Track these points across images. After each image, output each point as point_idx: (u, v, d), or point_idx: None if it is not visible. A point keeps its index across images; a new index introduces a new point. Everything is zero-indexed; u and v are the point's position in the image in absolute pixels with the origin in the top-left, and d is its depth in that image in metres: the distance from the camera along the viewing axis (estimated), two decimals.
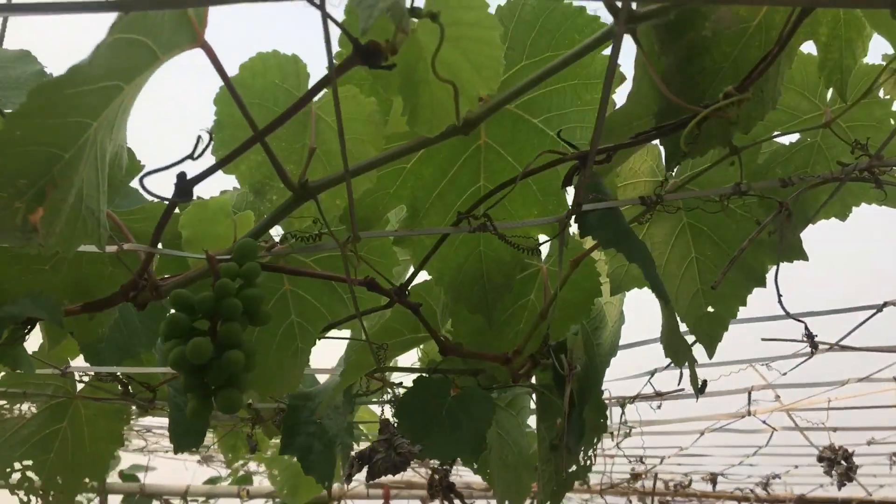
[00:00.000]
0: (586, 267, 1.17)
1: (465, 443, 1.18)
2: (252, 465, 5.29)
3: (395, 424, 1.18)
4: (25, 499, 1.62)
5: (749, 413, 2.14)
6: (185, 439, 1.53)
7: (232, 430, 1.94)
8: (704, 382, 0.87)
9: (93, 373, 1.54)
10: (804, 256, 1.04)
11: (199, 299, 0.82)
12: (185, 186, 0.81)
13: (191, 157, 0.75)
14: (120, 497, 4.76)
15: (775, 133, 1.01)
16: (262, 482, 5.51)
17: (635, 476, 3.81)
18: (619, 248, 0.82)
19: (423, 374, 1.30)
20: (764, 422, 2.26)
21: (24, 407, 1.66)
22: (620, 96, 1.04)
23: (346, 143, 0.96)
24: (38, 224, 0.65)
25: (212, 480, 5.56)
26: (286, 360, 1.12)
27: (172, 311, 0.83)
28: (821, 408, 2.16)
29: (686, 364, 0.93)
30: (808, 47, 0.98)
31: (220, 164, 0.83)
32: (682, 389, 1.79)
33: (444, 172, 1.04)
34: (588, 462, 1.37)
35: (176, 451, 1.49)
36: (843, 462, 1.97)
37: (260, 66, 0.93)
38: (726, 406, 2.58)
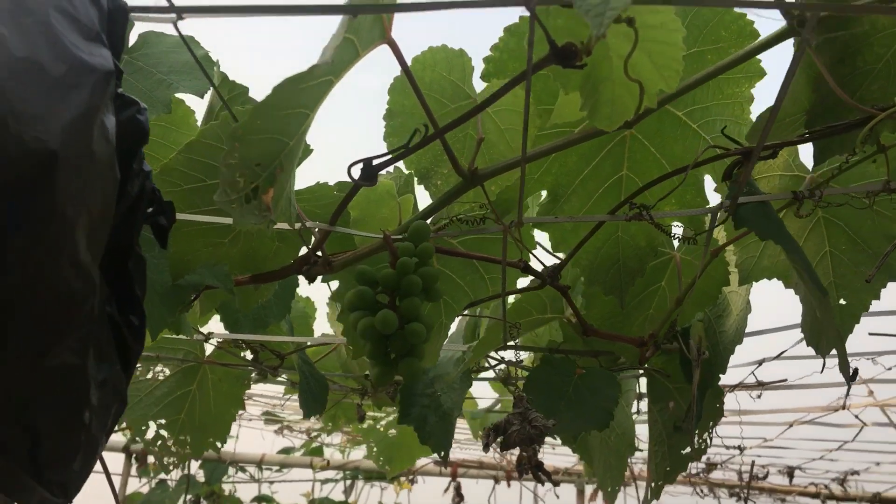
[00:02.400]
0: (717, 257, 1.21)
1: (593, 418, 1.24)
2: (325, 437, 5.44)
3: (529, 399, 1.24)
4: (159, 454, 1.73)
5: (844, 407, 2.15)
6: (312, 406, 1.62)
7: (342, 399, 2.03)
8: (856, 370, 0.91)
9: (230, 340, 1.64)
10: None
11: (382, 275, 0.89)
12: (371, 171, 0.88)
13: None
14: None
15: None
16: (332, 454, 5.67)
17: (710, 466, 3.82)
18: (777, 240, 0.87)
19: (549, 353, 1.36)
20: (857, 416, 2.27)
21: (158, 369, 1.77)
22: (759, 91, 1.09)
23: (504, 133, 1.03)
24: (269, 203, 0.73)
25: (285, 451, 5.73)
26: (432, 334, 1.20)
27: (357, 284, 0.91)
28: None
29: (826, 353, 0.98)
30: None
31: (404, 154, 0.89)
32: (786, 380, 1.82)
33: (588, 161, 1.09)
34: (703, 445, 1.42)
35: (305, 417, 1.59)
36: None
37: (430, 59, 1.00)
38: (813, 400, 2.59)
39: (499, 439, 1.26)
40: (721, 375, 1.28)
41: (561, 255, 1.15)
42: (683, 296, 1.12)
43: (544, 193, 1.13)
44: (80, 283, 0.54)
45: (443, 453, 1.64)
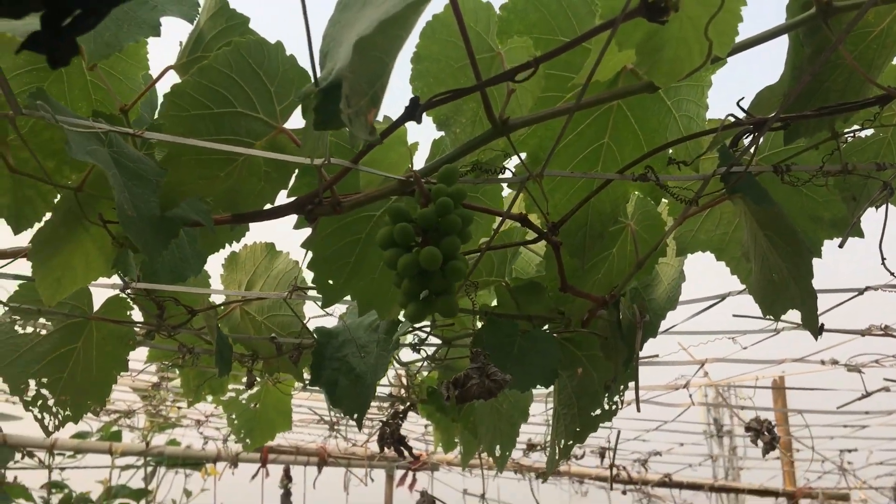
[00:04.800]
0: (654, 227, 1.31)
1: (540, 375, 1.30)
2: (127, 421, 5.14)
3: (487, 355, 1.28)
4: (39, 416, 1.59)
5: (685, 386, 2.37)
6: (224, 366, 1.56)
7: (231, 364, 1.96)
8: (822, 325, 1.03)
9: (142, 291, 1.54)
10: (860, 234, 1.23)
11: (421, 214, 0.90)
12: (417, 110, 0.89)
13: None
14: None
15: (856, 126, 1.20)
16: (133, 440, 5.37)
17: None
18: (771, 205, 0.97)
19: (493, 317, 1.41)
20: (690, 396, 2.51)
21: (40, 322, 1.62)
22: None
23: (516, 90, 1.06)
24: (372, 122, 0.72)
25: (79, 435, 5.35)
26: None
27: (394, 222, 0.90)
28: (748, 385, 2.42)
29: (781, 314, 1.10)
30: None
31: (439, 102, 0.91)
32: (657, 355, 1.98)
33: (573, 127, 1.15)
34: (614, 407, 1.53)
35: (220, 375, 1.53)
36: (766, 433, 2.23)
37: (461, 7, 1.02)
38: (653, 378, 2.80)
39: (456, 392, 1.29)
40: (651, 339, 1.39)
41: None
42: (645, 259, 1.20)
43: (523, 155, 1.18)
44: None
45: (356, 415, 1.64)
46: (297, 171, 1.13)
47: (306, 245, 1.16)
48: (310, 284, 1.26)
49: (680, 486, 4.38)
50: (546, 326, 1.51)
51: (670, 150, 1.18)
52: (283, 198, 1.16)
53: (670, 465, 4.40)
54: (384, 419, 2.35)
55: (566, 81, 1.10)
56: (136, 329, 1.71)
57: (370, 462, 5.02)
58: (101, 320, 1.66)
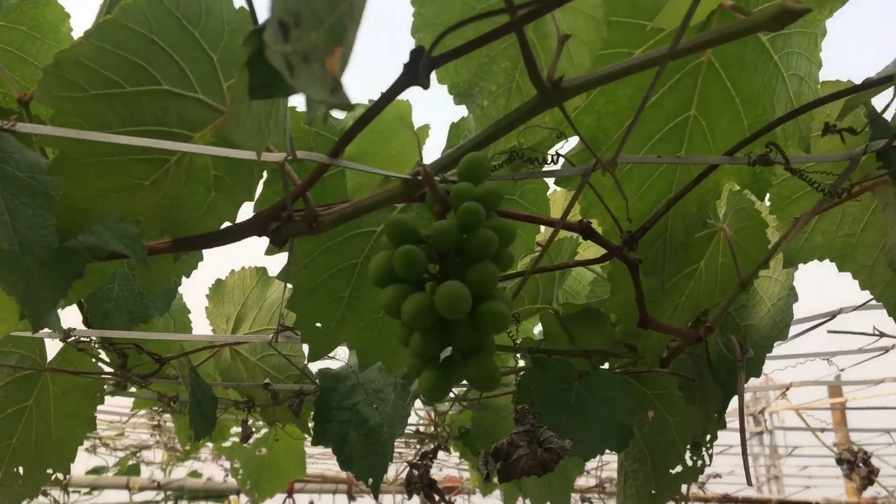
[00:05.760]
0: (754, 231, 0.98)
1: (609, 435, 0.97)
2: (147, 454, 4.88)
3: (537, 414, 0.95)
4: None
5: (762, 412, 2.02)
6: (202, 425, 1.25)
7: (222, 415, 1.64)
8: None
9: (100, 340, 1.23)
10: None
11: (437, 229, 0.57)
12: (417, 65, 0.56)
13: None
14: None
15: None
16: (153, 473, 5.09)
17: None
18: None
19: (540, 356, 1.08)
20: (765, 421, 2.16)
21: None
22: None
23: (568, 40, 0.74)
24: (336, 71, 0.40)
25: (96, 471, 5.08)
26: None
27: (396, 244, 0.58)
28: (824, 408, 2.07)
29: None
30: None
31: (454, 54, 0.58)
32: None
33: (648, 99, 0.82)
34: (700, 462, 1.19)
35: (196, 439, 1.21)
36: (862, 465, 1.88)
37: None
38: None
39: (498, 465, 0.97)
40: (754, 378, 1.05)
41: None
42: (752, 276, 0.87)
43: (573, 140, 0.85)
44: None
45: (371, 480, 1.31)
46: (265, 174, 0.82)
47: (282, 277, 0.84)
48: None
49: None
50: (606, 363, 1.18)
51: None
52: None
53: (728, 485, 4.03)
54: (411, 459, 2.04)
55: (637, 33, 0.78)
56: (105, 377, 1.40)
57: (398, 487, 4.70)
58: (57, 372, 1.35)
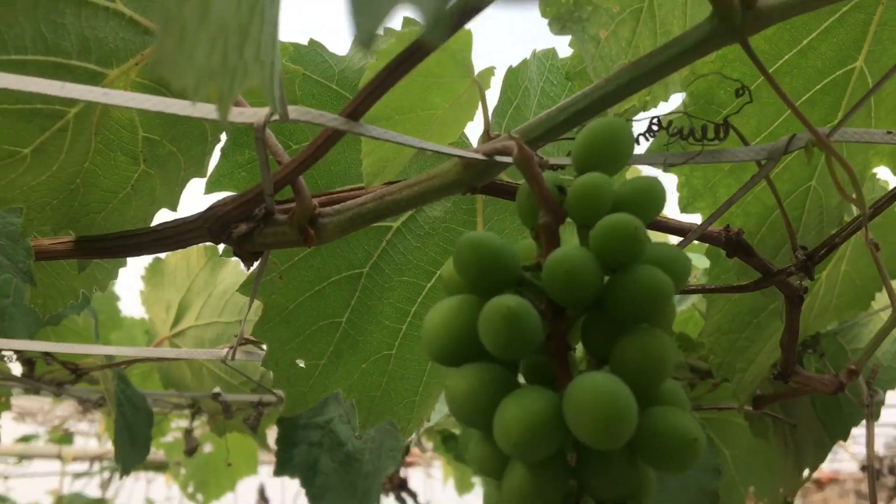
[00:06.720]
0: (892, 228, 0.74)
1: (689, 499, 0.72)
2: (76, 424, 4.55)
3: None
4: None
5: None
6: (132, 455, 0.97)
7: (161, 420, 1.36)
8: None
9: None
10: None
11: (563, 267, 0.30)
12: None
13: None
14: None
15: None
16: (86, 443, 4.77)
17: None
18: None
19: None
20: None
21: None
22: None
23: None
24: None
25: (25, 439, 4.75)
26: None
27: (478, 286, 0.31)
28: None
29: None
30: None
31: None
32: None
33: (798, 40, 0.56)
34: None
35: (125, 473, 0.94)
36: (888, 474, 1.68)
37: None
38: None
39: None
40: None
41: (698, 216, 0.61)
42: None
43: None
44: None
45: None
46: (223, 137, 0.53)
47: (245, 291, 0.56)
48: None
49: None
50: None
51: None
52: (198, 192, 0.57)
53: None
54: None
55: None
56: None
57: None
58: None
